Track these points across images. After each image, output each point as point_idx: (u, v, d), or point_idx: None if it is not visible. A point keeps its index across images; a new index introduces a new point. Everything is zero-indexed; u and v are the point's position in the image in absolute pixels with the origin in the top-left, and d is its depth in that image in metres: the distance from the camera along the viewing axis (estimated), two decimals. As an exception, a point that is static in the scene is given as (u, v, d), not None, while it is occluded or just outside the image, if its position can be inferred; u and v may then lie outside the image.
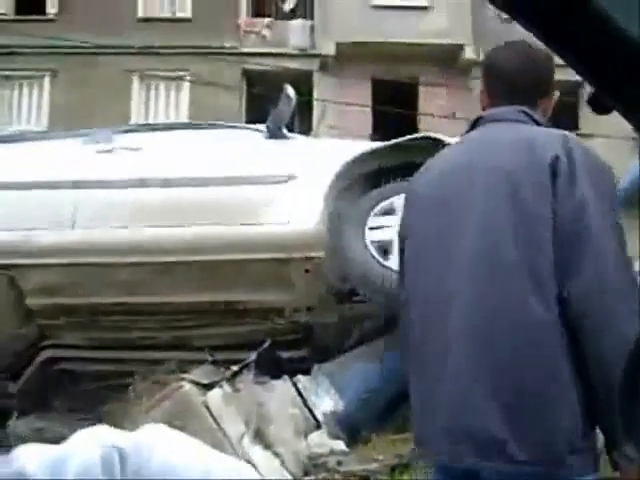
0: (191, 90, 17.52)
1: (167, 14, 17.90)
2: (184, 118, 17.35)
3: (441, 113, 17.52)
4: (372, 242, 3.65)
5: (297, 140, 4.32)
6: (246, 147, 4.27)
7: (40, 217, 4.04)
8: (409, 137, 4.09)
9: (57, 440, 3.87)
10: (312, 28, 17.91)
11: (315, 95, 17.61)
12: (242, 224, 3.88)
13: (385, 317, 4.04)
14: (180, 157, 4.26)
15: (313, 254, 3.84)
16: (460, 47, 17.45)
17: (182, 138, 4.55)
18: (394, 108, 16.86)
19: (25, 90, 17.54)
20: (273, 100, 16.08)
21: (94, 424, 4.08)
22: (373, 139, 17.82)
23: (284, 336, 4.28)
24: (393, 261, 3.60)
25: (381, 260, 3.60)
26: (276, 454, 3.77)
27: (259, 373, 4.12)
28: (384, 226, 3.72)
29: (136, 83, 17.41)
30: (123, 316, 4.23)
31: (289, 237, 3.84)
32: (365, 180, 4.04)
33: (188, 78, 17.34)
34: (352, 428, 3.94)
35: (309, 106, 17.73)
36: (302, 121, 18.08)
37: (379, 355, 4.00)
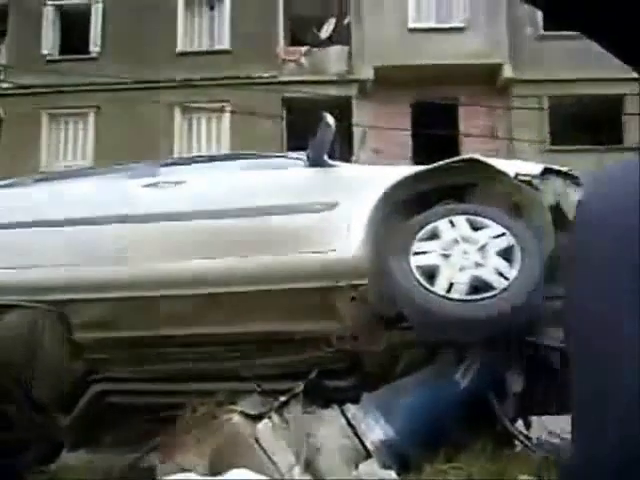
0: (232, 121, 17.74)
1: (205, 47, 18.20)
2: (226, 149, 17.57)
3: (482, 133, 17.45)
4: (417, 267, 3.61)
5: (338, 167, 4.32)
6: (287, 176, 4.28)
7: (87, 252, 4.10)
8: (451, 160, 4.06)
9: (106, 473, 3.89)
10: (349, 54, 18.04)
11: (354, 120, 17.68)
12: (286, 253, 3.87)
13: (433, 343, 3.99)
14: (223, 188, 4.28)
15: (358, 282, 3.81)
16: (499, 66, 17.38)
17: (224, 169, 4.58)
18: (434, 130, 16.84)
19: (70, 127, 17.97)
20: (313, 127, 16.17)
21: (143, 457, 4.09)
22: (414, 162, 17.82)
23: (331, 365, 4.24)
24: (438, 286, 3.56)
25: (427, 285, 3.55)
26: (327, 485, 3.72)
27: (307, 403, 4.09)
28: (428, 251, 3.69)
29: (178, 116, 17.70)
30: (170, 348, 4.24)
31: (334, 265, 3.82)
32: (408, 205, 4.01)
33: (228, 109, 17.56)
34: (403, 457, 3.87)
35: (349, 132, 17.80)
36: (342, 147, 18.17)
37: (429, 383, 3.94)
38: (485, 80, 17.41)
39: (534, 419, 4.75)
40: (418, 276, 3.59)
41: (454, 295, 3.51)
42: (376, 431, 3.91)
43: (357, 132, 17.61)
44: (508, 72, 17.38)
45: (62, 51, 18.13)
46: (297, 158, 4.54)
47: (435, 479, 3.94)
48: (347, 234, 3.84)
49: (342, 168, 4.34)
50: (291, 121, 18.00)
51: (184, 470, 3.82)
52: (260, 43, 17.76)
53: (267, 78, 17.61)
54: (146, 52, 17.33)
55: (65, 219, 4.19)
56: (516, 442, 4.32)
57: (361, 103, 17.77)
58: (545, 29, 17.18)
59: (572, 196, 3.91)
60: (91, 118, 17.77)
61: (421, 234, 3.74)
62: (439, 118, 17.25)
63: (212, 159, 5.29)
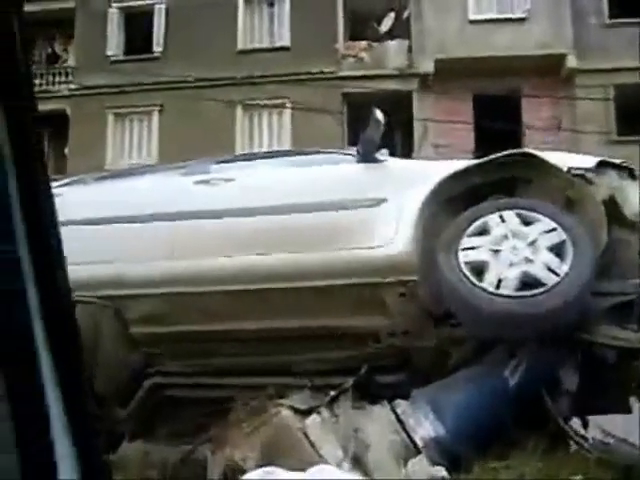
0: (293, 117, 17.83)
1: (266, 44, 18.34)
2: (287, 145, 17.68)
3: (545, 125, 17.10)
4: (465, 263, 3.57)
5: (388, 163, 4.30)
6: (337, 172, 4.29)
7: (140, 249, 4.19)
8: (502, 153, 4.00)
9: (162, 465, 3.97)
10: (409, 47, 17.91)
11: (415, 114, 17.55)
12: (335, 249, 3.88)
13: (483, 340, 3.95)
14: (273, 185, 4.32)
15: (407, 277, 3.80)
16: (562, 56, 17.00)
17: (274, 166, 4.62)
18: (496, 123, 16.58)
19: (135, 125, 18.37)
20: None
21: (196, 449, 4.16)
22: (476, 156, 17.57)
23: (382, 361, 4.24)
24: (487, 282, 3.52)
25: (475, 281, 3.51)
26: (376, 481, 3.72)
27: (357, 398, 4.10)
28: (477, 246, 3.64)
29: (239, 113, 17.89)
30: (222, 343, 4.31)
31: (382, 261, 3.82)
32: (460, 200, 3.97)
33: (289, 105, 17.66)
34: (453, 454, 3.84)
35: (410, 126, 17.69)
36: (404, 142, 18.06)
37: (479, 379, 3.90)
38: (548, 71, 17.05)
39: (590, 418, 4.65)
40: (466, 272, 3.55)
41: (503, 291, 3.46)
42: (426, 427, 3.89)
43: (418, 127, 17.47)
44: (572, 62, 16.99)
45: (126, 52, 18.54)
46: (347, 154, 4.55)
47: (486, 478, 3.91)
48: (395, 230, 3.83)
49: (392, 163, 4.32)
50: (352, 116, 17.98)
51: (233, 463, 3.89)
52: (320, 39, 17.79)
53: (327, 74, 17.64)
54: (207, 51, 17.56)
55: (119, 216, 4.29)
56: (570, 442, 4.24)
57: (422, 97, 17.63)
58: (610, 17, 16.72)
59: (627, 189, 3.81)
60: (155, 117, 18.13)
61: (470, 229, 3.70)
62: (502, 110, 16.97)
63: (264, 156, 5.33)
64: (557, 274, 3.47)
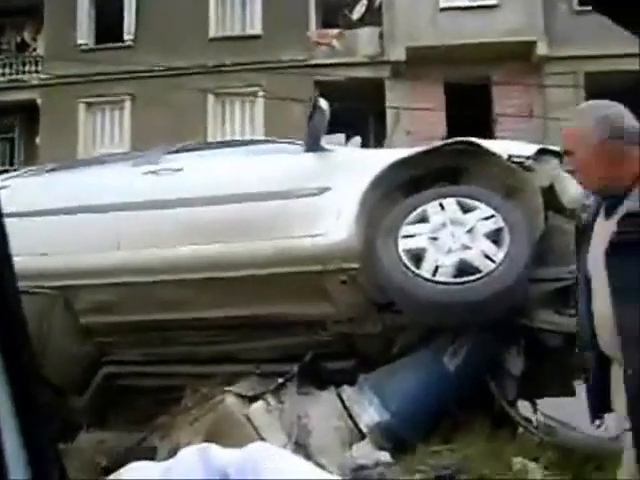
0: (265, 105, 17.79)
1: (237, 32, 18.26)
2: (259, 133, 17.64)
3: (516, 112, 17.19)
4: (404, 251, 3.63)
5: (335, 152, 4.34)
6: (284, 162, 4.33)
7: (89, 240, 4.22)
8: (444, 142, 4.06)
9: (111, 451, 4.00)
10: (381, 35, 17.90)
11: (387, 102, 17.57)
12: (277, 238, 3.93)
13: (427, 326, 4.01)
14: (220, 175, 4.35)
15: (348, 265, 3.85)
16: (532, 44, 17.06)
17: (224, 156, 4.64)
18: (468, 110, 16.65)
19: (107, 114, 18.24)
20: (346, 110, 16.09)
21: (147, 437, 4.20)
22: (448, 143, 17.66)
23: (329, 348, 4.31)
24: (424, 269, 3.58)
25: (413, 268, 3.57)
26: (319, 465, 3.78)
27: (304, 385, 4.16)
28: (416, 234, 3.70)
29: (211, 101, 17.82)
30: (171, 332, 4.35)
31: (323, 249, 3.87)
32: (403, 188, 4.03)
33: (261, 94, 17.62)
34: (396, 439, 3.91)
35: (382, 113, 17.72)
36: (377, 128, 18.10)
37: (422, 365, 3.97)
38: (519, 58, 17.10)
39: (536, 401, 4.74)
40: (405, 259, 3.61)
41: (440, 278, 3.53)
42: (370, 413, 3.96)
43: (390, 114, 17.50)
44: (542, 49, 17.06)
45: (97, 40, 18.37)
46: (298, 143, 4.59)
47: (430, 461, 3.99)
48: (337, 218, 3.87)
49: (338, 152, 4.37)
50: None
51: (178, 448, 3.94)
52: (292, 27, 17.73)
53: (299, 62, 17.60)
54: (179, 39, 17.45)
55: (68, 207, 4.31)
56: (519, 425, 4.33)
57: (394, 85, 17.64)
58: (580, 4, 16.81)
59: (565, 177, 3.88)
60: (127, 105, 18.01)
61: (410, 217, 3.76)
62: (473, 98, 17.04)
63: (214, 146, 5.35)
64: (493, 261, 3.54)
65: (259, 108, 17.84)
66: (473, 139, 3.98)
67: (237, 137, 16.90)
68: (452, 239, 3.62)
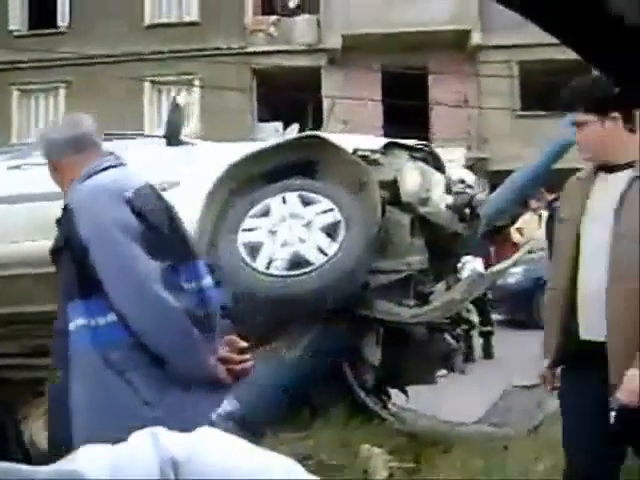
0: (202, 93, 17.70)
1: (174, 19, 18.11)
2: (196, 121, 17.58)
3: (451, 100, 17.35)
4: (243, 244, 3.69)
5: (195, 146, 4.38)
6: (141, 156, 4.35)
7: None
8: (293, 137, 4.12)
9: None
10: (318, 23, 17.91)
11: (324, 90, 17.62)
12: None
13: (278, 318, 4.09)
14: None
15: (192, 259, 3.90)
16: (467, 32, 17.24)
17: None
18: (404, 98, 16.77)
19: (42, 102, 18.00)
20: (284, 98, 16.05)
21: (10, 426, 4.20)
22: (385, 131, 17.77)
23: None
24: (259, 262, 3.65)
25: (249, 261, 3.64)
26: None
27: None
28: (256, 228, 3.77)
29: (147, 90, 17.68)
30: (35, 325, 4.37)
31: None
32: (253, 182, 4.08)
33: (198, 81, 17.53)
34: (246, 427, 3.99)
35: (320, 102, 17.75)
36: (315, 117, 18.12)
37: (271, 355, 4.04)
38: (454, 47, 17.28)
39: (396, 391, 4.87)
40: (242, 252, 3.68)
41: (272, 271, 3.60)
42: (221, 403, 4.03)
43: (327, 102, 17.55)
44: (477, 38, 17.25)
45: (30, 26, 18.07)
46: (160, 137, 4.61)
47: (283, 448, 4.08)
48: (182, 213, 3.90)
49: (197, 147, 4.40)
50: (262, 92, 17.97)
51: (31, 439, 3.99)
52: (229, 14, 17.64)
53: (236, 49, 17.54)
54: (114, 25, 17.25)
55: None
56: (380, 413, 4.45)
57: (330, 73, 17.69)
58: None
59: (406, 171, 3.98)
60: (61, 93, 17.79)
61: (253, 211, 3.82)
62: (409, 86, 17.17)
63: None
64: (326, 254, 3.62)
65: (195, 96, 17.74)
66: (321, 133, 4.05)
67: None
68: (289, 232, 3.69)
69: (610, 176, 2.27)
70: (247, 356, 1.98)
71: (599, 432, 2.11)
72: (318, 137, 4.02)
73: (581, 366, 2.19)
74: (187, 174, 4.07)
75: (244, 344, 1.95)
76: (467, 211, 4.12)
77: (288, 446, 4.09)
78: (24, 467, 0.69)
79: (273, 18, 18.02)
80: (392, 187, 3.94)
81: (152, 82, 17.65)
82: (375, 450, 3.99)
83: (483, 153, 17.48)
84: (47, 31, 17.78)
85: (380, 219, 3.77)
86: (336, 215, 3.72)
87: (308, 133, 4.12)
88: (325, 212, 3.74)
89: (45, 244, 4.11)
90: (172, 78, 17.61)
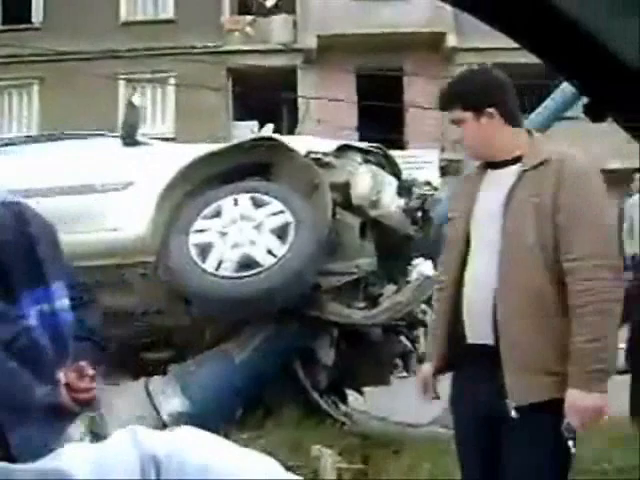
0: (177, 92, 17.65)
1: (150, 16, 18.04)
2: (171, 120, 17.55)
3: (426, 102, 17.42)
4: (193, 245, 3.71)
5: (151, 147, 4.40)
6: (99, 156, 4.36)
7: None
8: (248, 138, 4.14)
9: None
10: (294, 23, 17.92)
11: (299, 90, 17.63)
12: (80, 232, 3.96)
13: (229, 319, 4.11)
14: (34, 168, 4.36)
15: (144, 259, 3.92)
16: (442, 35, 17.33)
17: (44, 150, 4.64)
18: (378, 99, 16.82)
19: (15, 98, 17.86)
20: (259, 98, 15.99)
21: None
22: (360, 132, 17.82)
23: (145, 339, 4.37)
24: (208, 263, 3.67)
25: (198, 262, 3.66)
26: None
27: (114, 376, 4.22)
28: (207, 229, 3.79)
29: (122, 87, 17.59)
30: None
31: (120, 243, 3.92)
32: (207, 183, 4.10)
33: (173, 80, 17.47)
34: (200, 428, 4.00)
35: (295, 102, 17.77)
36: (290, 116, 18.14)
37: (219, 357, 4.06)
38: (429, 49, 17.37)
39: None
40: (192, 253, 3.69)
41: (222, 272, 3.62)
42: (173, 402, 4.05)
43: (302, 102, 17.57)
44: (452, 41, 17.34)
45: (4, 21, 17.91)
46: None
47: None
48: (135, 213, 3.93)
49: (153, 147, 4.42)
50: (237, 91, 17.94)
51: None
52: (205, 13, 17.59)
53: (211, 48, 17.49)
54: (89, 22, 17.13)
55: None
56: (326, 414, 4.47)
57: (306, 73, 17.70)
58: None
59: (358, 174, 4.01)
60: (35, 89, 17.66)
61: (205, 212, 3.84)
62: (384, 87, 17.23)
63: (42, 138, 5.36)
64: (275, 256, 3.64)
65: (171, 95, 17.70)
66: (275, 135, 4.08)
67: (148, 123, 16.75)
68: (239, 234, 3.72)
69: (497, 172, 2.18)
70: (93, 384, 1.92)
71: (489, 439, 2.05)
72: (272, 139, 4.05)
73: (470, 371, 2.10)
74: (141, 174, 4.08)
75: (91, 372, 1.90)
76: (419, 214, 4.16)
77: (240, 446, 4.12)
78: (4, 465, 0.69)
79: (249, 18, 18.00)
80: (344, 189, 3.98)
81: (127, 80, 17.55)
82: (325, 451, 4.02)
83: (457, 155, 17.59)
84: (21, 26, 17.63)
85: (330, 221, 3.81)
86: (287, 217, 3.75)
87: (262, 135, 4.15)
88: (276, 214, 3.77)
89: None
90: (147, 76, 17.53)
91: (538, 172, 2.11)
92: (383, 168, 4.10)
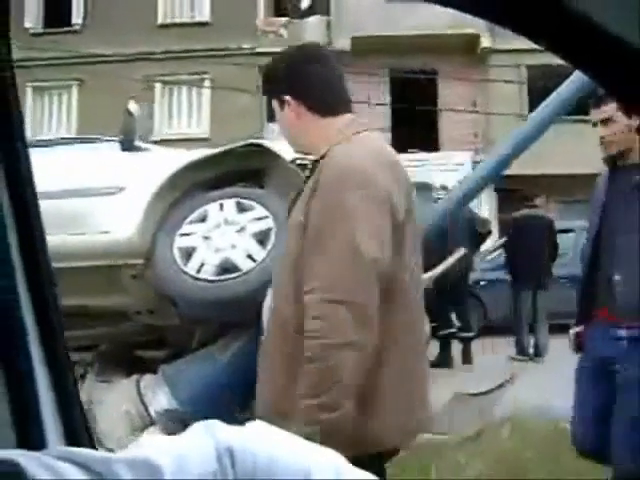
0: (212, 93, 17.92)
1: (186, 19, 18.34)
2: (206, 120, 17.80)
3: (460, 103, 17.39)
4: (178, 248, 3.83)
5: (148, 152, 4.53)
6: (96, 160, 4.51)
7: None
8: (238, 144, 4.23)
9: None
10: (328, 24, 18.03)
11: (333, 91, 17.71)
12: (74, 234, 4.11)
13: (210, 322, 4.21)
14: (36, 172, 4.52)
15: (134, 261, 4.05)
16: (476, 36, 17.26)
17: (43, 154, 4.81)
18: (412, 101, 16.85)
19: (55, 99, 18.34)
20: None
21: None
22: (394, 133, 17.83)
23: (139, 337, 4.52)
24: (190, 267, 3.78)
25: (181, 265, 3.77)
26: (108, 450, 4.01)
27: (105, 373, 4.37)
28: (192, 233, 3.89)
29: (159, 89, 17.92)
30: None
31: (111, 246, 4.06)
32: (196, 189, 4.20)
33: (208, 82, 17.74)
34: (184, 426, 4.12)
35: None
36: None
37: (207, 357, 4.17)
38: (463, 50, 17.33)
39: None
40: (177, 256, 3.81)
41: (203, 276, 3.72)
42: (160, 400, 4.17)
43: (336, 103, 17.66)
44: (486, 42, 17.26)
45: (45, 24, 18.41)
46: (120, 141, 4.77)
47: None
48: (125, 217, 4.06)
49: (150, 153, 4.55)
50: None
51: None
52: (240, 15, 17.83)
53: (246, 50, 17.72)
54: (127, 24, 17.51)
55: None
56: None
57: (339, 74, 17.78)
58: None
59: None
60: (74, 91, 18.10)
61: (191, 217, 3.95)
62: (418, 88, 17.25)
63: (43, 143, 5.54)
64: (255, 260, 3.73)
65: (206, 96, 17.97)
66: (263, 141, 4.16)
67: (184, 125, 17.03)
68: (222, 238, 3.82)
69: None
70: None
71: None
72: (260, 145, 4.13)
73: None
74: (134, 179, 4.22)
75: None
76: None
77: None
78: (98, 453, 0.71)
79: (284, 19, 18.17)
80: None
81: (163, 82, 17.88)
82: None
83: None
84: (62, 29, 18.10)
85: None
86: (269, 222, 3.83)
87: (250, 141, 4.22)
88: (259, 219, 3.85)
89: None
90: (183, 77, 17.84)
91: (312, 177, 1.79)
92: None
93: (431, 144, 17.44)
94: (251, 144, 4.21)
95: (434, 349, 8.05)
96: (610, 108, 2.97)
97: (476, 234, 8.02)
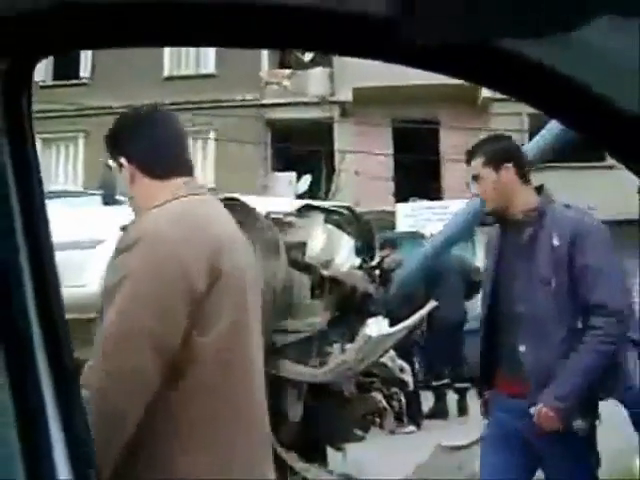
0: (217, 144, 18.14)
1: (191, 71, 18.67)
2: (211, 172, 17.98)
3: (462, 152, 17.48)
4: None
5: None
6: (78, 215, 4.58)
7: None
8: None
9: None
10: (331, 76, 18.30)
11: (336, 141, 17.91)
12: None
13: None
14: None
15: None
16: (477, 86, 17.43)
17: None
18: (414, 151, 17.00)
19: (62, 151, 18.60)
20: (297, 149, 16.30)
21: None
22: (396, 182, 17.95)
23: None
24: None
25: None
26: None
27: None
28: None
29: (164, 139, 18.15)
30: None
31: (84, 299, 4.09)
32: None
33: (212, 133, 17.96)
34: None
35: (331, 153, 18.05)
36: (328, 167, 18.41)
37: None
38: (464, 99, 17.45)
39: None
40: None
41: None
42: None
43: (339, 154, 17.85)
44: (486, 91, 17.41)
45: (55, 77, 18.78)
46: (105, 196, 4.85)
47: None
48: (99, 269, 4.10)
49: (130, 206, 4.61)
50: (275, 143, 18.34)
51: None
52: (245, 67, 18.11)
53: (250, 101, 17.98)
54: (134, 77, 17.83)
55: None
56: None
57: (342, 125, 18.00)
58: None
59: (313, 233, 4.12)
60: (80, 142, 18.38)
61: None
62: (420, 138, 17.40)
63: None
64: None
65: (211, 147, 18.19)
66: (237, 196, 4.22)
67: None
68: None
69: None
70: None
71: None
72: (237, 200, 4.19)
73: None
74: (113, 232, 4.26)
75: None
76: (377, 272, 4.23)
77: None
78: None
79: (287, 71, 18.47)
80: (302, 249, 4.08)
81: (169, 132, 18.11)
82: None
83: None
84: (69, 82, 18.45)
85: (283, 280, 3.90)
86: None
87: (227, 195, 4.28)
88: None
89: None
90: (189, 129, 18.06)
91: None
92: (342, 228, 4.20)
93: (434, 193, 17.52)
94: (227, 198, 4.26)
95: (429, 400, 7.98)
96: (477, 164, 2.85)
97: (470, 283, 7.99)
